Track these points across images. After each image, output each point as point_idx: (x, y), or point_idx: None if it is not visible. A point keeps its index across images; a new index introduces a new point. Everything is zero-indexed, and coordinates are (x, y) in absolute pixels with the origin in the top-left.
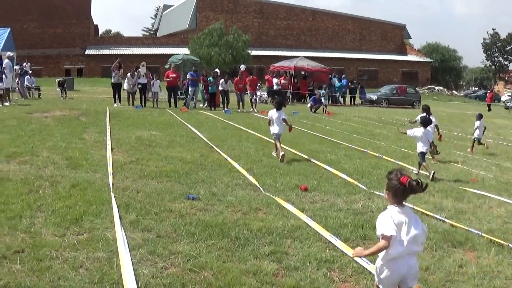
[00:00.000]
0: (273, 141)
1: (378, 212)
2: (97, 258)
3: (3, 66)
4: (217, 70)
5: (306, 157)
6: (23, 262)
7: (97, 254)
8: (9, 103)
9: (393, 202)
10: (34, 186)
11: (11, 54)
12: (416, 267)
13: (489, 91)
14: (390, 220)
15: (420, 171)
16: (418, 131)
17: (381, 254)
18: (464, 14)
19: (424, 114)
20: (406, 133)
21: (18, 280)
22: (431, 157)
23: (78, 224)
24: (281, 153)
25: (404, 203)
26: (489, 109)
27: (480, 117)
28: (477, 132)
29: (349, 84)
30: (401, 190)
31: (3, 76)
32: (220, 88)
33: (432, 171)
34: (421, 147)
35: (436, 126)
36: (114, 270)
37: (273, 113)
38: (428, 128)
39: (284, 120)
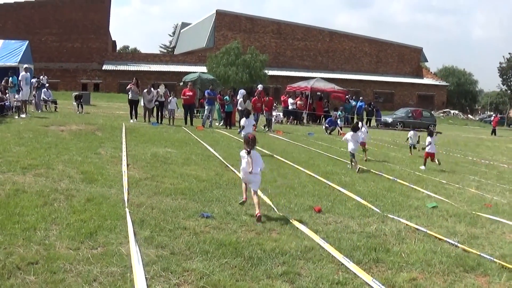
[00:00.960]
0: (288, 161)
1: (391, 235)
2: (110, 272)
3: (19, 78)
4: (242, 90)
5: (320, 178)
6: (37, 273)
7: (111, 269)
8: (25, 115)
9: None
10: (49, 198)
11: (28, 66)
12: (256, 179)
13: (494, 115)
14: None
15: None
16: (348, 135)
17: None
18: (481, 38)
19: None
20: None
21: None
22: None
23: (92, 238)
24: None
25: (251, 150)
26: (495, 133)
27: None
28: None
29: (367, 106)
30: (246, 141)
31: (20, 88)
32: (239, 107)
33: (358, 167)
34: (350, 147)
35: (367, 132)
36: (128, 285)
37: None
38: (358, 132)
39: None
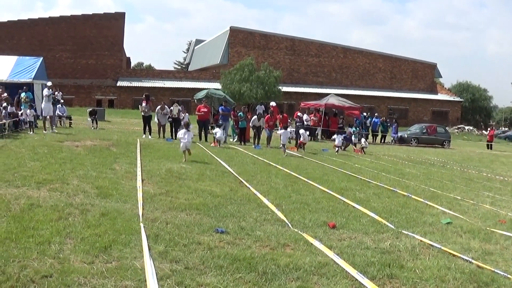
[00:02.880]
0: (302, 177)
1: (405, 251)
2: (125, 286)
3: (45, 94)
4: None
5: (335, 194)
6: (51, 287)
7: (125, 283)
8: (46, 132)
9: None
10: (63, 213)
11: (50, 84)
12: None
13: (489, 129)
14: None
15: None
16: (279, 132)
17: None
18: (496, 53)
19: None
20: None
21: None
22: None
23: (107, 252)
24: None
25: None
26: (490, 147)
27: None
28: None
29: (383, 121)
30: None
31: (34, 103)
32: (252, 125)
33: (285, 155)
34: (281, 141)
35: (292, 131)
36: None
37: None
38: (288, 130)
39: None
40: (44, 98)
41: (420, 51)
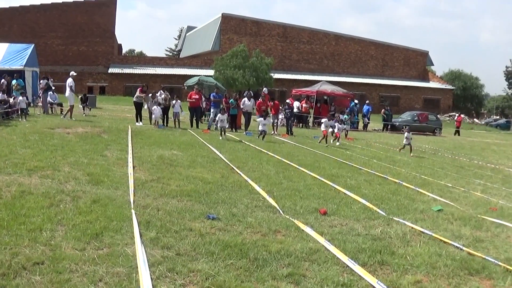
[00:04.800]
0: (293, 164)
1: (396, 238)
2: (116, 273)
3: (68, 83)
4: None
5: (326, 181)
6: (43, 273)
7: (116, 269)
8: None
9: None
10: (55, 200)
11: (75, 74)
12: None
13: (457, 115)
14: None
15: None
16: (259, 120)
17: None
18: (489, 42)
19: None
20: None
21: None
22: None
23: (98, 239)
24: None
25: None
26: (458, 134)
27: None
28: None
29: (384, 110)
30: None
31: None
32: (243, 107)
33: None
34: (260, 128)
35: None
36: (133, 286)
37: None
38: (267, 119)
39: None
40: (68, 88)
41: (412, 39)
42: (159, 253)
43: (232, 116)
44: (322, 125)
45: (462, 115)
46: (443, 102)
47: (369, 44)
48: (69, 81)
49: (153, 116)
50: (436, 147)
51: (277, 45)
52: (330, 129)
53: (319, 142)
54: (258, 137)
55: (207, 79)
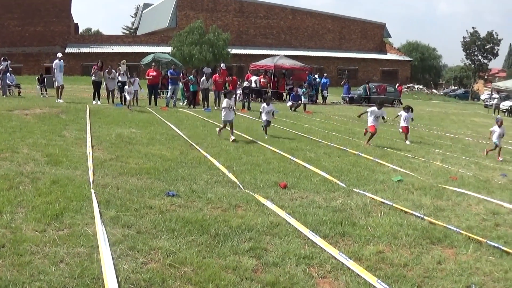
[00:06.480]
0: (252, 139)
1: (357, 209)
2: (77, 253)
3: (53, 66)
4: (207, 68)
5: (285, 155)
6: (3, 256)
7: (77, 250)
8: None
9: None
10: (14, 182)
11: (61, 55)
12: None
13: (397, 85)
14: None
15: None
16: (262, 107)
17: None
18: (447, 13)
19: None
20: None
21: None
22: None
23: (58, 220)
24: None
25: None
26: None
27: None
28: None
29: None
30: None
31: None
32: (201, 86)
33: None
34: (263, 117)
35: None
36: (95, 265)
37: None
38: (270, 105)
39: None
40: (56, 69)
41: (369, 11)
42: (119, 232)
43: (193, 92)
44: (370, 118)
45: (404, 86)
46: (401, 74)
47: (326, 17)
48: (56, 62)
49: (127, 98)
50: (395, 118)
51: (234, 20)
52: (375, 122)
53: (368, 143)
54: (263, 129)
55: (163, 56)
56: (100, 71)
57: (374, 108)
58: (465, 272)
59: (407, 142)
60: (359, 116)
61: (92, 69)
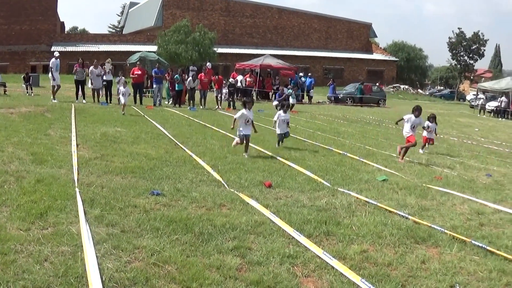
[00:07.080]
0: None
1: (342, 208)
2: (61, 252)
3: (50, 65)
4: (192, 67)
5: (270, 154)
6: None
7: (61, 248)
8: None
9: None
10: None
11: (58, 54)
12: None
13: (377, 84)
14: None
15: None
16: (277, 116)
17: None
18: (433, 13)
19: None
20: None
21: None
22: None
23: (43, 219)
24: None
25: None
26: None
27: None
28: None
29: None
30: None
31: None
32: (188, 86)
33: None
34: (278, 130)
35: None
36: (79, 264)
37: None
38: (287, 113)
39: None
40: (53, 68)
41: (355, 11)
42: (104, 231)
43: (178, 91)
44: (406, 126)
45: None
46: (387, 74)
47: (312, 17)
48: (52, 61)
49: (121, 101)
50: (381, 118)
51: (220, 19)
52: (412, 132)
53: (401, 158)
54: (278, 144)
55: (149, 55)
56: (82, 69)
57: (412, 115)
58: (449, 271)
59: (421, 151)
60: (397, 123)
61: (74, 68)
